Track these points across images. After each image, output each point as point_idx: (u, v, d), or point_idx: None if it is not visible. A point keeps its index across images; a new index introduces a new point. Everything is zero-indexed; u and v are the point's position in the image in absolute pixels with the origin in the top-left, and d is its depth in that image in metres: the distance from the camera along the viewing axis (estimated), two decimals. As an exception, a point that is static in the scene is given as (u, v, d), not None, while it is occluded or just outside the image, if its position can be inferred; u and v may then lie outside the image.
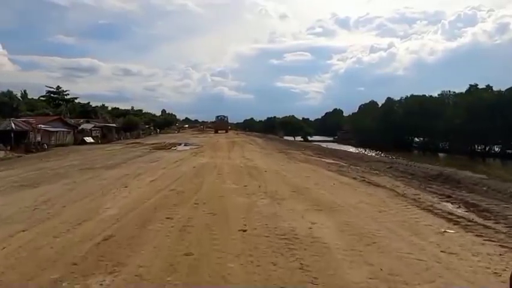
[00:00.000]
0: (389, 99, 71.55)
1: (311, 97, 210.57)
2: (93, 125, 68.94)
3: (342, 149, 42.06)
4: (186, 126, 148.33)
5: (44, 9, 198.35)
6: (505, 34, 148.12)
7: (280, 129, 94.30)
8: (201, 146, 33.91)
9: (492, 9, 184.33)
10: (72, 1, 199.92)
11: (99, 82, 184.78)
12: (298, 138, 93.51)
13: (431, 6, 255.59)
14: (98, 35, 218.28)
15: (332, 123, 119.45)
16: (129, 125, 78.19)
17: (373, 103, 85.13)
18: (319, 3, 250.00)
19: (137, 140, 49.78)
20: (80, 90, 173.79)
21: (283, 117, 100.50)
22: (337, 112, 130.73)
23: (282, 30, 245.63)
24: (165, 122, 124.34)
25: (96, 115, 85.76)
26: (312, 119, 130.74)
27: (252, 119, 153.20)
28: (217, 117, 77.53)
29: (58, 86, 78.32)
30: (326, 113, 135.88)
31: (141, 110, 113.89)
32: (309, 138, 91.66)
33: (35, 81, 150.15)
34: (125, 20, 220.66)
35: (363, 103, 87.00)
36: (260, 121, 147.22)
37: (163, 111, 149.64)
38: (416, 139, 68.71)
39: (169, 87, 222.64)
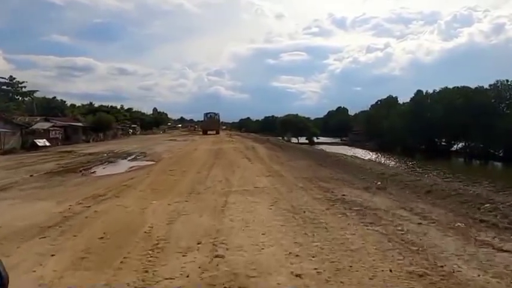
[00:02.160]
0: (419, 92, 54.94)
1: (307, 97, 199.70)
2: (51, 124, 52.06)
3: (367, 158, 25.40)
4: (179, 125, 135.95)
5: (40, 9, 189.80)
6: (501, 34, 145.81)
7: (282, 129, 77.51)
8: (154, 165, 17.05)
9: (488, 9, 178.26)
10: (67, 0, 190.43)
11: (94, 81, 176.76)
12: (302, 139, 76.74)
13: (428, 7, 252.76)
14: (93, 34, 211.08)
15: (336, 123, 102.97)
16: (99, 124, 60.86)
17: (391, 99, 68.43)
18: (315, 3, 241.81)
19: (77, 148, 32.74)
20: (76, 89, 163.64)
21: (285, 116, 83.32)
22: (341, 111, 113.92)
23: (279, 30, 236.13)
24: (155, 122, 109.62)
25: (63, 112, 68.64)
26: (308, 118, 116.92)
27: (248, 118, 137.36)
28: (206, 114, 60.09)
29: (11, 76, 60.68)
30: (329, 112, 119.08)
31: (131, 108, 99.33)
32: (315, 140, 74.86)
33: (30, 80, 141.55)
34: (120, 20, 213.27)
35: (380, 99, 70.26)
36: (257, 120, 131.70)
37: (155, 109, 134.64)
38: (453, 141, 52.31)
39: (165, 86, 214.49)
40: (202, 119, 60.41)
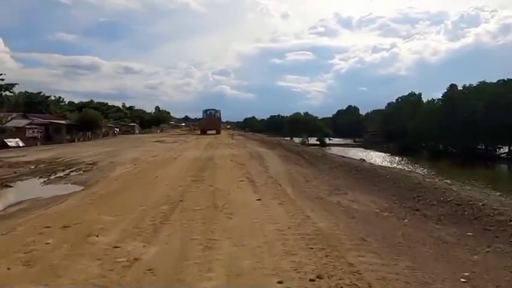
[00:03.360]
0: (453, 87, 45.80)
1: (312, 97, 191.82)
2: (28, 122, 44.42)
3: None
4: (183, 124, 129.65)
5: (46, 7, 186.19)
6: (509, 35, 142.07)
7: (290, 129, 68.46)
8: (61, 200, 8.44)
9: (495, 9, 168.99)
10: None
11: (100, 80, 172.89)
12: (313, 140, 67.85)
13: (435, 7, 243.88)
14: (99, 33, 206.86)
15: (346, 123, 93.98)
16: (84, 122, 52.56)
17: (413, 96, 59.34)
18: (321, 2, 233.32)
19: (23, 152, 24.27)
20: (81, 87, 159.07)
21: (293, 114, 73.87)
22: (352, 110, 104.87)
23: (284, 29, 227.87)
24: (156, 120, 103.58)
25: (47, 109, 60.39)
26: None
27: (253, 117, 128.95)
28: (205, 111, 50.93)
29: (-15, 68, 52.06)
30: (338, 111, 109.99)
31: (132, 107, 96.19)
32: (328, 141, 65.71)
33: (36, 79, 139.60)
34: (126, 18, 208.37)
35: (401, 95, 60.95)
36: (262, 120, 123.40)
37: (157, 108, 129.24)
38: (494, 145, 43.21)
39: (170, 85, 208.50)
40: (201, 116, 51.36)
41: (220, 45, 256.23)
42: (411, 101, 56.96)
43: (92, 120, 52.78)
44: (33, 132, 42.85)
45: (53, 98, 62.05)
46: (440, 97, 48.69)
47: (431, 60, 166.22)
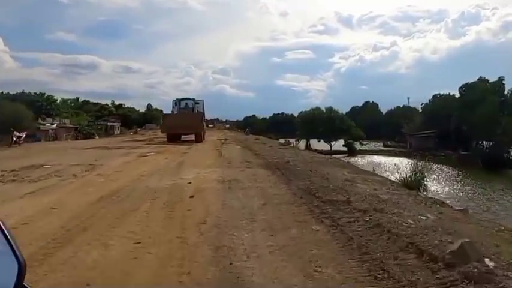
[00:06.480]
0: None
1: (312, 95, 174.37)
2: None
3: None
4: None
5: (45, 6, 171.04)
6: (510, 32, 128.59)
7: (305, 129, 47.91)
8: None
9: (496, 7, 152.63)
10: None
11: (99, 79, 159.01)
12: (338, 144, 47.45)
13: (435, 5, 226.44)
14: (98, 32, 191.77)
15: (367, 123, 73.68)
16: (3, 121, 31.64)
17: (484, 81, 38.92)
18: (321, 1, 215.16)
19: None
20: (81, 87, 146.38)
21: (311, 110, 52.41)
22: (370, 107, 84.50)
23: (283, 28, 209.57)
24: (143, 119, 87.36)
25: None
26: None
27: (254, 116, 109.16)
28: (178, 102, 28.87)
29: None
30: (352, 108, 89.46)
31: (121, 105, 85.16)
32: (358, 146, 45.11)
33: (36, 78, 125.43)
34: (125, 17, 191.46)
35: (466, 82, 40.29)
36: (264, 119, 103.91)
37: (149, 106, 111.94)
38: None
39: (170, 85, 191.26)
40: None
41: (220, 44, 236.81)
42: (489, 89, 36.33)
43: (15, 117, 32.03)
44: None
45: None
46: None
47: (432, 58, 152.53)
